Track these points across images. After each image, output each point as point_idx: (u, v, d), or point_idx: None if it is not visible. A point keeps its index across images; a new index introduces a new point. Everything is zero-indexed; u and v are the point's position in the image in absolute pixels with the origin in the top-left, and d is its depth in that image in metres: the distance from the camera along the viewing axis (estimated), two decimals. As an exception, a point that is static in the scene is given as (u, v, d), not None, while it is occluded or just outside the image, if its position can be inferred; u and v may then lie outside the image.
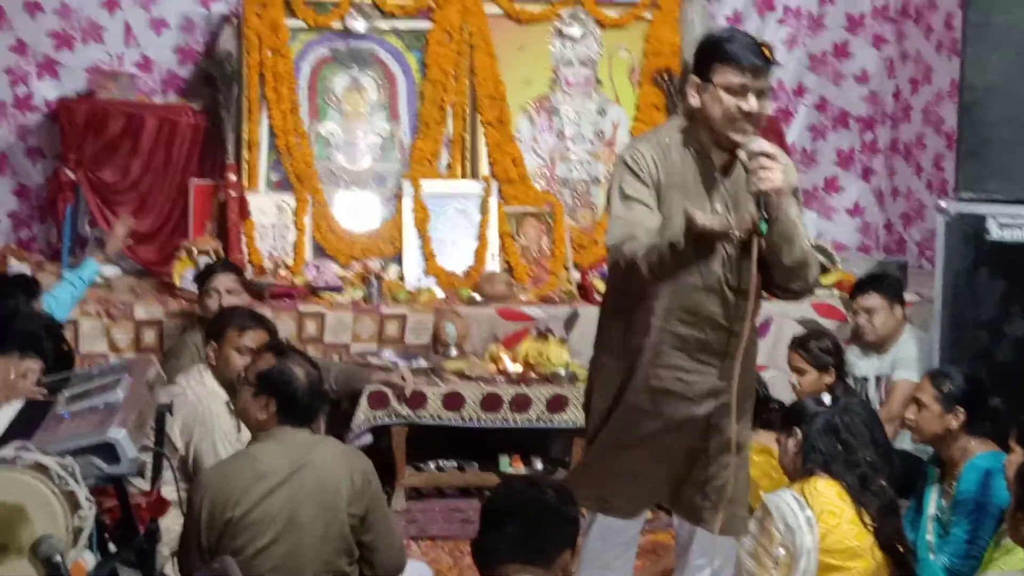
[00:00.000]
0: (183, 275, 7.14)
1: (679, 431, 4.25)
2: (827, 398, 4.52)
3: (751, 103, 4.02)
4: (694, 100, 4.14)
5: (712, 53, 4.12)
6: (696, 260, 4.02)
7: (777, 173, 3.87)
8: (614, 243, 4.06)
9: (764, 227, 3.91)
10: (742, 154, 3.97)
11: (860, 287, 6.62)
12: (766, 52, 4.04)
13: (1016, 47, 6.03)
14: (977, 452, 4.79)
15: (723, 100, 4.03)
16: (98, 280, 6.91)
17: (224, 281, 6.29)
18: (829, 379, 6.00)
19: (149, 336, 6.89)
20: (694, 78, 4.15)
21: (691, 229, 3.78)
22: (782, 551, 4.21)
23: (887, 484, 4.42)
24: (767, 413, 5.50)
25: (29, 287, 5.96)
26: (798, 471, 4.45)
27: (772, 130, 8.39)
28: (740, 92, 4.02)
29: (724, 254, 4.09)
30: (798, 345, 6.16)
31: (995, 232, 6.04)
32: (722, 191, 4.14)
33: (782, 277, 4.07)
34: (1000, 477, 4.51)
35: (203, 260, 7.14)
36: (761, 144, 3.94)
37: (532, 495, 3.27)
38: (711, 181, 4.14)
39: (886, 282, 6.66)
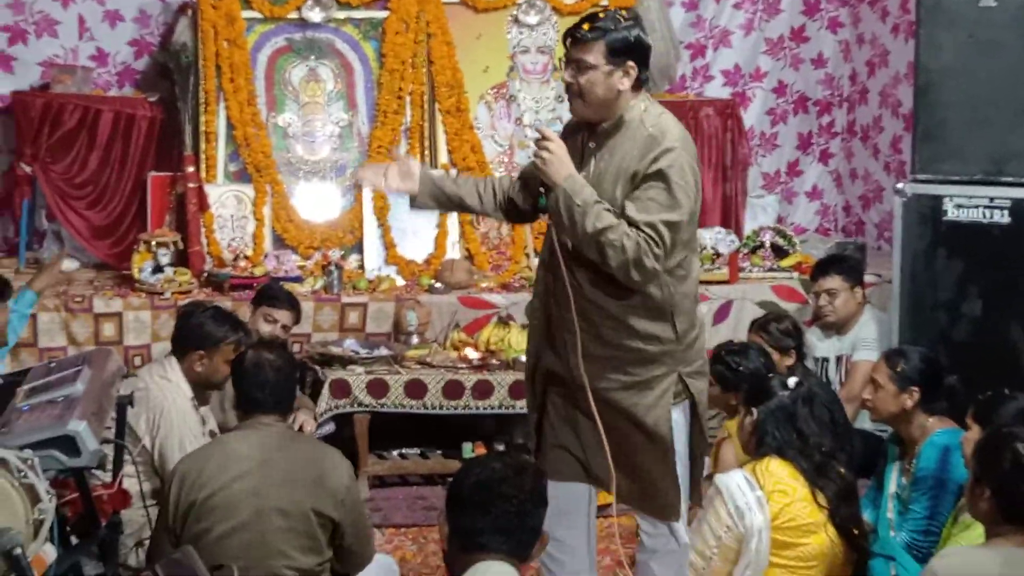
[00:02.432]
0: (142, 268, 7.11)
1: (559, 398, 4.42)
2: (792, 381, 4.52)
3: (565, 74, 4.23)
4: None
5: None
6: (546, 240, 4.33)
7: (545, 153, 4.12)
8: None
9: (542, 200, 4.20)
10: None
11: (820, 269, 6.65)
12: (585, 26, 4.19)
13: (969, 29, 6.07)
14: (935, 430, 4.82)
15: (564, 73, 4.26)
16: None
17: (286, 317, 6.24)
18: (790, 361, 6.03)
19: (109, 329, 6.85)
20: None
21: None
22: (726, 533, 4.24)
23: (846, 468, 4.44)
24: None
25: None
26: (752, 451, 4.47)
27: (730, 114, 8.44)
28: (566, 65, 4.24)
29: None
30: (759, 327, 6.19)
31: (951, 213, 6.09)
32: (590, 164, 4.26)
33: (582, 250, 4.16)
34: (959, 454, 4.55)
35: (162, 253, 7.11)
36: (542, 127, 4.23)
37: (519, 482, 3.28)
38: (582, 155, 4.29)
39: (846, 264, 6.71)
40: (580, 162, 4.24)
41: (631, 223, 4.07)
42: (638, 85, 4.23)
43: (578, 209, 4.08)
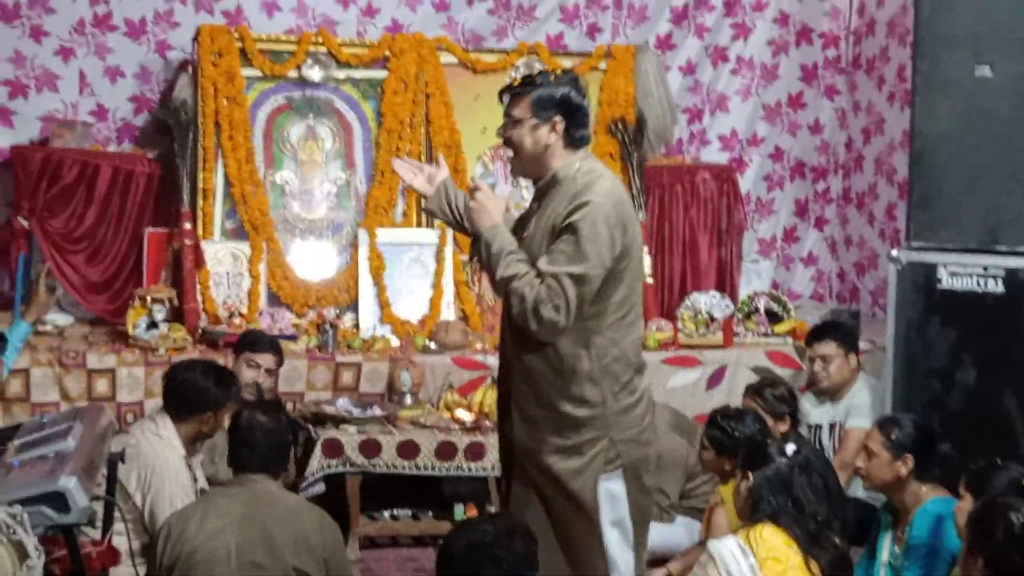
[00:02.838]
0: (137, 323, 7.10)
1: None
2: (791, 448, 4.50)
3: (500, 131, 4.33)
4: None
5: None
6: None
7: (473, 203, 4.25)
8: None
9: (471, 251, 4.41)
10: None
11: (816, 334, 6.64)
12: (516, 81, 4.31)
13: (965, 97, 6.10)
14: (929, 498, 4.81)
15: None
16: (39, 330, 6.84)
17: (268, 360, 6.34)
18: (784, 427, 6.02)
19: (102, 385, 6.84)
20: None
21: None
22: None
23: (839, 537, 4.42)
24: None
25: None
26: (747, 517, 4.44)
27: (727, 179, 8.48)
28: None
29: None
30: (753, 392, 6.18)
31: (946, 281, 6.10)
32: (530, 223, 4.32)
33: (497, 295, 4.31)
34: (952, 523, 4.53)
35: (157, 309, 7.11)
36: (475, 179, 4.44)
37: (510, 544, 3.27)
38: (530, 210, 4.38)
39: (842, 330, 6.70)
40: (525, 214, 4.38)
41: (538, 274, 4.09)
42: (573, 142, 4.26)
43: (493, 257, 4.17)
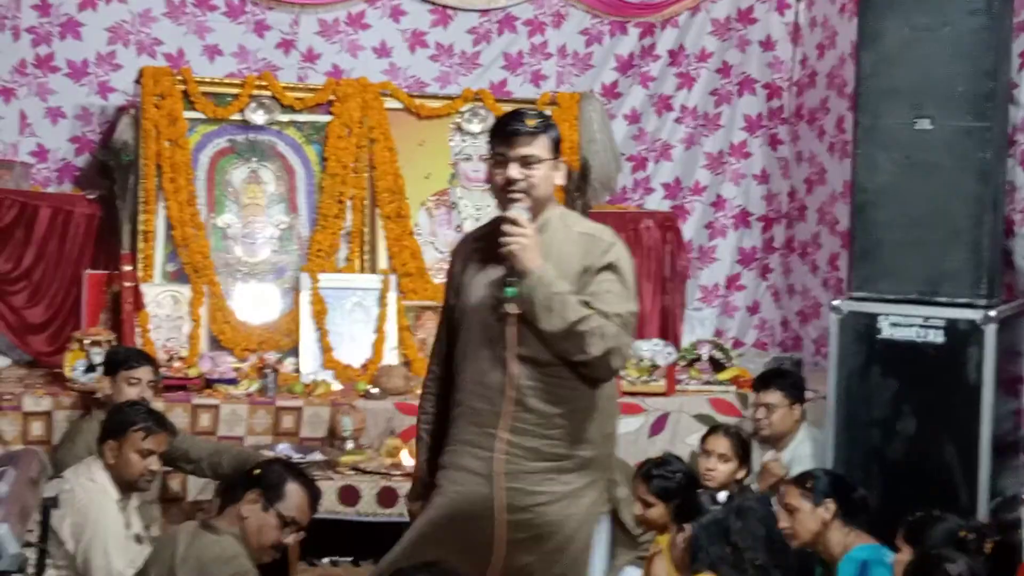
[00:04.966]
0: (75, 366, 7.02)
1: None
2: (723, 496, 4.51)
3: (510, 171, 4.12)
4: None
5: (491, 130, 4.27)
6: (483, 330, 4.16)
7: (521, 239, 4.02)
8: None
9: (509, 291, 4.04)
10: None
11: (763, 382, 6.63)
12: (529, 121, 4.13)
13: (905, 149, 6.17)
14: (855, 545, 4.84)
15: (493, 173, 4.19)
16: None
17: (147, 373, 6.16)
18: (742, 473, 6.01)
19: (37, 428, 6.73)
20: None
21: None
22: None
23: (780, 585, 4.42)
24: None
25: None
26: (686, 568, 4.44)
27: (669, 227, 8.51)
28: (502, 162, 4.14)
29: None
30: (725, 432, 6.13)
31: (886, 331, 6.14)
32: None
33: (553, 344, 4.05)
34: (878, 568, 4.56)
35: (95, 351, 7.03)
36: (513, 211, 4.09)
37: None
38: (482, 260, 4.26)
39: (788, 380, 6.66)
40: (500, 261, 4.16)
41: (602, 314, 4.04)
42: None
43: (557, 298, 4.01)
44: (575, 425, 4.14)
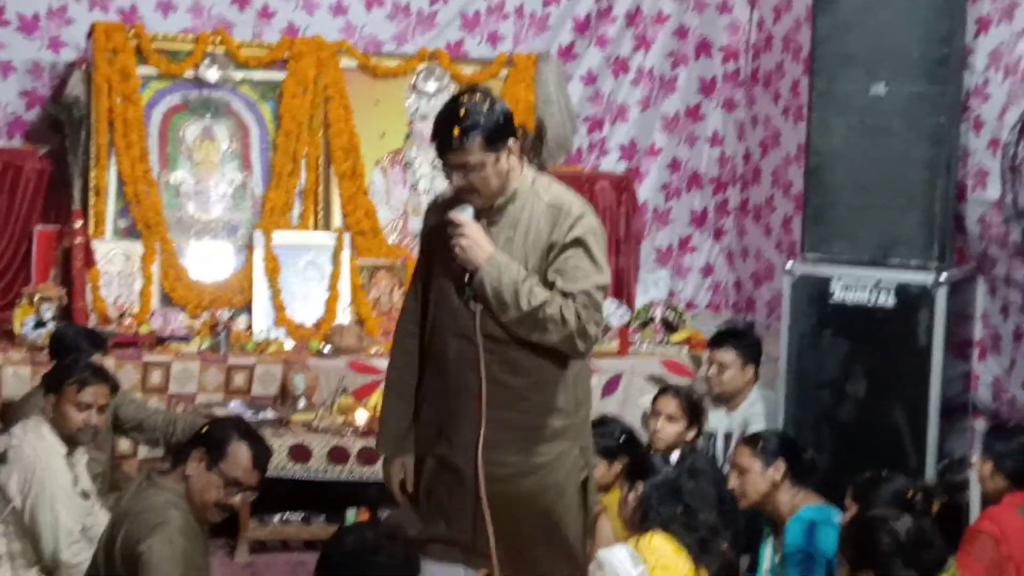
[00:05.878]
0: (24, 322, 6.98)
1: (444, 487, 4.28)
2: (675, 456, 4.53)
3: (454, 179, 4.10)
4: None
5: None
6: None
7: (461, 240, 4.04)
8: None
9: (468, 290, 4.09)
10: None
11: (718, 339, 6.54)
12: (454, 130, 4.03)
13: (859, 114, 6.20)
14: (803, 505, 4.88)
15: (445, 175, 4.13)
16: None
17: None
18: (691, 434, 6.00)
19: (-14, 384, 6.71)
20: None
21: None
22: None
23: (731, 545, 4.45)
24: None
25: None
26: (636, 526, 4.45)
27: (625, 188, 8.50)
28: (447, 169, 4.10)
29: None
30: (675, 393, 6.11)
31: (839, 294, 6.18)
32: (493, 237, 4.18)
33: (514, 331, 4.08)
34: (826, 528, 4.60)
35: (45, 307, 6.98)
36: (454, 214, 4.10)
37: (392, 550, 3.24)
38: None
39: (744, 341, 6.54)
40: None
41: (565, 295, 4.04)
42: (523, 153, 4.22)
43: (507, 289, 4.02)
44: (546, 396, 4.16)
